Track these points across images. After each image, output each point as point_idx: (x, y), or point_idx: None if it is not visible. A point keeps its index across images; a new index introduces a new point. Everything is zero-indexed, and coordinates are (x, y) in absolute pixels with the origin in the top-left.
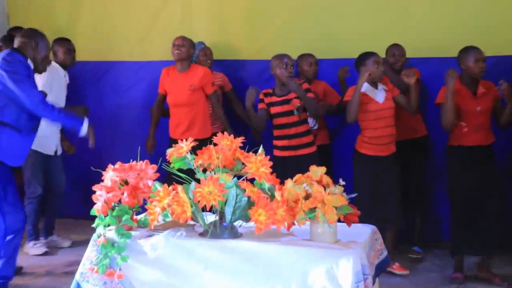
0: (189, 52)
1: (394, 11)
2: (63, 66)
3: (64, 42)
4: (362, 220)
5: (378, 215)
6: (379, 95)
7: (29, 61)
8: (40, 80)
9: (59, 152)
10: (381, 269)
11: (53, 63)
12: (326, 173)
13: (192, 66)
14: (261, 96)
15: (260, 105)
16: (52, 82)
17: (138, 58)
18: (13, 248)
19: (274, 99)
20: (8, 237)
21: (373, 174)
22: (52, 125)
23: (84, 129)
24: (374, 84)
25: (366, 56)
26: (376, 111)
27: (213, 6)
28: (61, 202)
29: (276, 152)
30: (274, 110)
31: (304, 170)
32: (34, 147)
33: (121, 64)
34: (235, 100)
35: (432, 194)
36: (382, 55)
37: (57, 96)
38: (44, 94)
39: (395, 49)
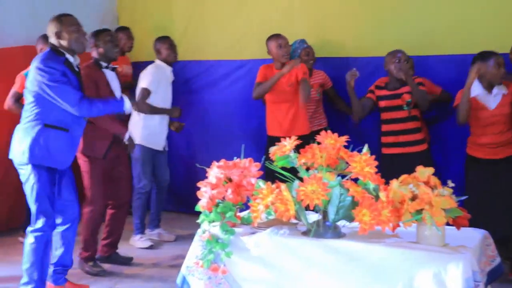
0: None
1: None
2: (167, 62)
3: (166, 39)
4: (473, 224)
5: (491, 221)
6: (492, 101)
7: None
8: (145, 78)
9: (166, 148)
10: (493, 277)
11: (157, 61)
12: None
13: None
14: (372, 87)
15: (368, 95)
16: (158, 81)
17: (235, 57)
18: (70, 238)
19: (384, 92)
20: (64, 227)
21: (485, 178)
22: (162, 121)
23: (127, 105)
24: (490, 87)
25: (485, 56)
26: (487, 118)
27: (311, 3)
28: (165, 196)
29: (384, 150)
30: (383, 103)
31: (413, 169)
32: (145, 143)
33: (218, 62)
34: (335, 96)
35: None
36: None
37: (164, 93)
38: (81, 94)
39: None
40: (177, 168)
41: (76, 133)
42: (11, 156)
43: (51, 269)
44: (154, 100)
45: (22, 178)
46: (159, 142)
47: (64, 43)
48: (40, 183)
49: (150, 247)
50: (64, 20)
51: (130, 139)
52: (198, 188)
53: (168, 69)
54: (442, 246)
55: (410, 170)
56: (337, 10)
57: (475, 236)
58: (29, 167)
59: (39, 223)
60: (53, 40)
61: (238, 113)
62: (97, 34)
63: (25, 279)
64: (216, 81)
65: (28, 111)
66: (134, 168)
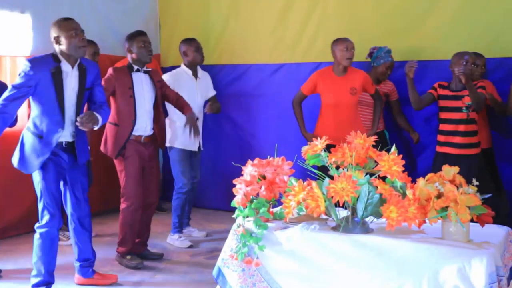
0: None
1: None
2: (194, 64)
3: (192, 41)
4: None
5: None
6: None
7: (63, 61)
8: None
9: (202, 148)
10: None
11: (181, 66)
12: (492, 177)
13: (350, 70)
14: (435, 85)
15: (430, 90)
16: (177, 87)
17: (271, 61)
18: (84, 234)
19: (447, 92)
20: (74, 225)
21: None
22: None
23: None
24: None
25: None
26: None
27: (346, 7)
28: (196, 193)
29: (438, 148)
30: (443, 103)
31: (465, 170)
32: (181, 146)
33: (254, 66)
34: (398, 111)
35: None
36: None
37: (189, 98)
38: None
39: None
40: (219, 167)
41: (49, 140)
42: None
43: (77, 264)
44: None
45: (33, 177)
46: (194, 144)
47: (62, 48)
48: (45, 181)
49: (190, 247)
50: (63, 25)
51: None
52: (234, 185)
53: (189, 72)
54: (466, 242)
55: (461, 171)
56: (370, 13)
57: (498, 232)
58: None
59: (44, 220)
60: (53, 45)
61: (275, 116)
62: (130, 38)
63: (34, 271)
64: (252, 84)
65: None
66: (173, 169)
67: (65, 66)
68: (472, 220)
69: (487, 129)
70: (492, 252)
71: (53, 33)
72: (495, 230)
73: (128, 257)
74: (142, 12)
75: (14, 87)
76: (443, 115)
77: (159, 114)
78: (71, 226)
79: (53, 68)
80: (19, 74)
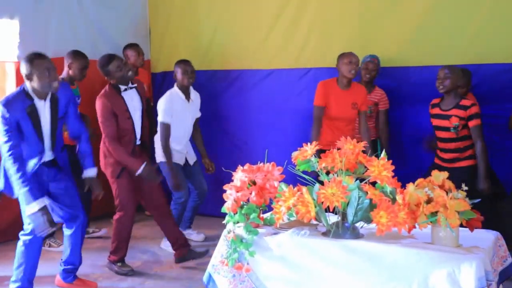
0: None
1: None
2: (184, 87)
3: (182, 64)
4: None
5: None
6: None
7: (36, 98)
8: (160, 111)
9: (192, 161)
10: (505, 276)
11: (174, 88)
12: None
13: (353, 84)
14: (431, 102)
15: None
16: (171, 109)
17: (263, 66)
18: (76, 240)
19: (437, 111)
20: (70, 231)
21: None
22: (181, 140)
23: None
24: None
25: None
26: None
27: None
28: (204, 202)
29: (435, 159)
30: (435, 122)
31: (458, 182)
32: (173, 160)
33: (246, 72)
34: (384, 121)
35: None
36: None
37: (179, 119)
38: (11, 150)
39: None
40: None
41: (31, 164)
42: None
43: (61, 266)
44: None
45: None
46: (181, 158)
47: (35, 85)
48: (30, 191)
49: None
50: (36, 63)
51: (146, 168)
52: (224, 191)
53: (182, 96)
54: (456, 247)
55: (455, 183)
56: (359, 20)
57: (488, 237)
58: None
59: (29, 228)
60: (25, 80)
61: (265, 121)
62: (106, 64)
63: (14, 277)
64: (243, 90)
65: None
66: (168, 181)
67: (39, 102)
68: (461, 225)
69: None
70: (481, 257)
71: (25, 70)
72: (485, 235)
73: (119, 264)
74: (132, 17)
75: (6, 133)
76: (436, 133)
77: (145, 122)
78: (65, 232)
79: (28, 107)
80: (0, 121)
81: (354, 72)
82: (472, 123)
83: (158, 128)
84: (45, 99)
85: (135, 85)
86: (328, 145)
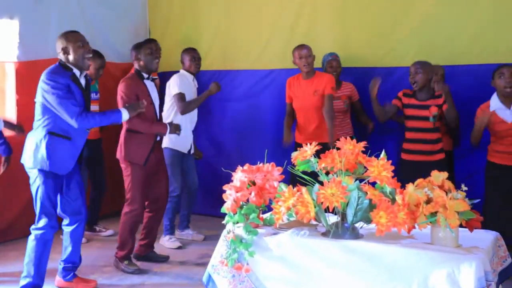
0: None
1: None
2: (189, 72)
3: (190, 50)
4: (490, 227)
5: (508, 224)
6: (510, 115)
7: (74, 69)
8: (174, 85)
9: (192, 151)
10: (504, 277)
11: (181, 71)
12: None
13: (317, 73)
14: (399, 94)
15: (394, 101)
16: (184, 87)
17: (261, 67)
18: (78, 237)
19: (413, 101)
20: (72, 227)
21: (503, 184)
22: (187, 125)
23: (125, 116)
24: (508, 102)
25: (497, 69)
26: (504, 131)
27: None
28: (196, 198)
29: (404, 156)
30: (409, 112)
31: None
32: (172, 146)
33: (244, 72)
34: (360, 110)
35: None
36: None
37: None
38: (80, 109)
39: None
40: (208, 173)
41: (78, 143)
42: (22, 161)
43: (61, 266)
44: None
45: (30, 180)
46: (184, 144)
47: (70, 58)
48: (45, 186)
49: (179, 248)
50: (70, 37)
51: (171, 126)
52: (224, 191)
53: (190, 77)
54: (455, 247)
55: (426, 177)
56: (358, 21)
57: (487, 237)
58: (36, 171)
59: (41, 223)
60: (61, 55)
61: (264, 120)
62: (138, 47)
63: (24, 272)
64: (243, 89)
65: (36, 119)
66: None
67: (77, 73)
68: (461, 225)
69: (447, 134)
70: (481, 257)
71: (60, 44)
72: (484, 235)
73: (126, 262)
74: (132, 17)
75: (66, 97)
76: (410, 124)
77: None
78: (66, 228)
79: (71, 75)
80: (54, 88)
81: (308, 65)
82: (444, 106)
83: (176, 104)
84: (80, 73)
85: (156, 77)
86: (306, 140)
